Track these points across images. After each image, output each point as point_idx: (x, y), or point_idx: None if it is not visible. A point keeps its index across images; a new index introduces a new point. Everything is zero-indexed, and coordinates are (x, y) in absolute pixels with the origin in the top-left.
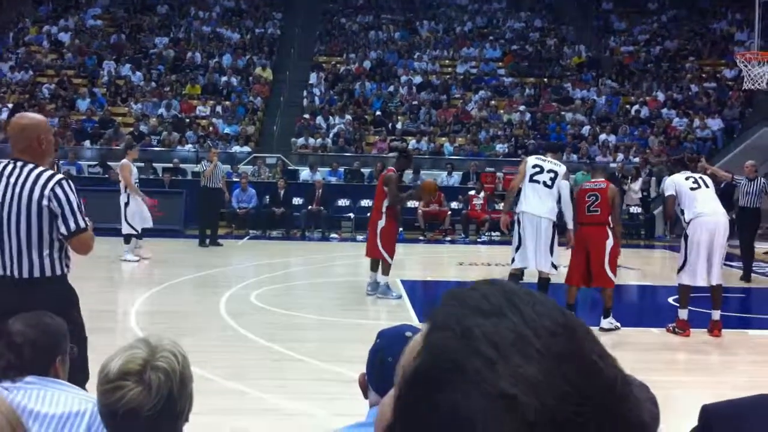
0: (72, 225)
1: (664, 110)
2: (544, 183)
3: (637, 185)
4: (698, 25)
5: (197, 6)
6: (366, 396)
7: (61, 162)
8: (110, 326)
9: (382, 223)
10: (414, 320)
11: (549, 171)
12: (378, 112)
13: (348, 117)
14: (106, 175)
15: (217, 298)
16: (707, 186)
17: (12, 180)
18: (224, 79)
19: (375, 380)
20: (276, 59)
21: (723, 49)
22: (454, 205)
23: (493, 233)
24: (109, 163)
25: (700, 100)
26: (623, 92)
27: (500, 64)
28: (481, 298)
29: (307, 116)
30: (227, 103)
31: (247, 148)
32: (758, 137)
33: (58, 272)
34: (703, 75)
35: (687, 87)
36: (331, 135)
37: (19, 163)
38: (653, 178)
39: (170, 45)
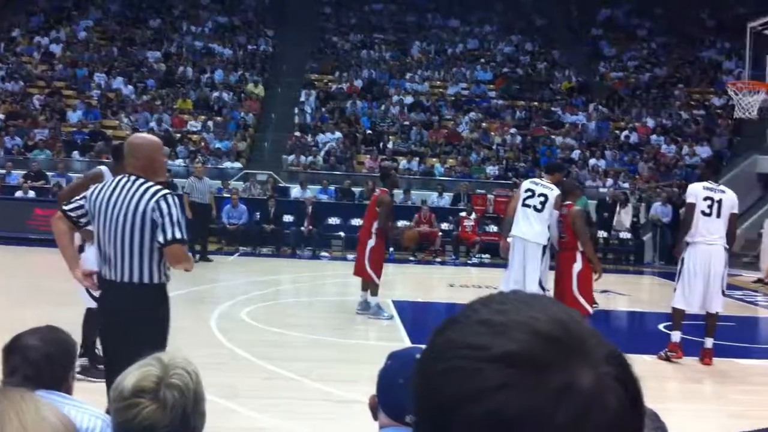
0: (169, 235)
1: (654, 136)
2: (534, 207)
3: (626, 211)
4: (687, 53)
5: (189, 21)
6: (375, 417)
7: (50, 174)
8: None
9: (371, 242)
10: (405, 340)
11: (540, 195)
12: (369, 131)
13: (339, 135)
14: None
15: (207, 314)
16: (718, 216)
17: (124, 192)
18: (216, 94)
19: (386, 402)
20: (268, 76)
21: (712, 77)
22: (444, 226)
23: (483, 255)
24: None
25: (689, 127)
26: (613, 117)
27: (491, 86)
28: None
29: (298, 133)
30: (218, 118)
31: (238, 164)
32: (747, 165)
33: (157, 280)
34: (692, 102)
35: (676, 114)
36: (322, 153)
37: (132, 177)
38: (642, 204)
39: (162, 59)
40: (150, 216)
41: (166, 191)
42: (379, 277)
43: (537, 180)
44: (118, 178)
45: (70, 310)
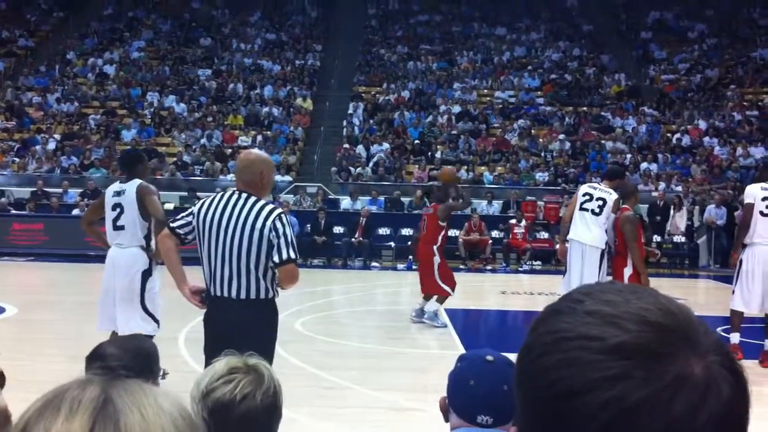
0: (284, 255)
1: (706, 138)
2: (592, 211)
3: (681, 214)
4: (739, 53)
5: (239, 39)
6: (446, 419)
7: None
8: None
9: (438, 259)
10: (459, 348)
11: (598, 199)
12: (417, 141)
13: (387, 146)
14: None
15: None
16: None
17: (237, 210)
18: (265, 109)
19: (457, 403)
20: (316, 90)
21: (765, 76)
22: (494, 233)
23: (534, 262)
24: None
25: (742, 128)
26: (664, 121)
27: (539, 93)
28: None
29: (347, 146)
30: (268, 133)
31: (288, 178)
32: None
33: (270, 295)
34: (745, 103)
35: (729, 115)
36: (370, 164)
37: (243, 195)
38: (696, 207)
39: (213, 76)
40: (267, 236)
41: (280, 210)
42: (453, 288)
43: (595, 185)
44: (228, 194)
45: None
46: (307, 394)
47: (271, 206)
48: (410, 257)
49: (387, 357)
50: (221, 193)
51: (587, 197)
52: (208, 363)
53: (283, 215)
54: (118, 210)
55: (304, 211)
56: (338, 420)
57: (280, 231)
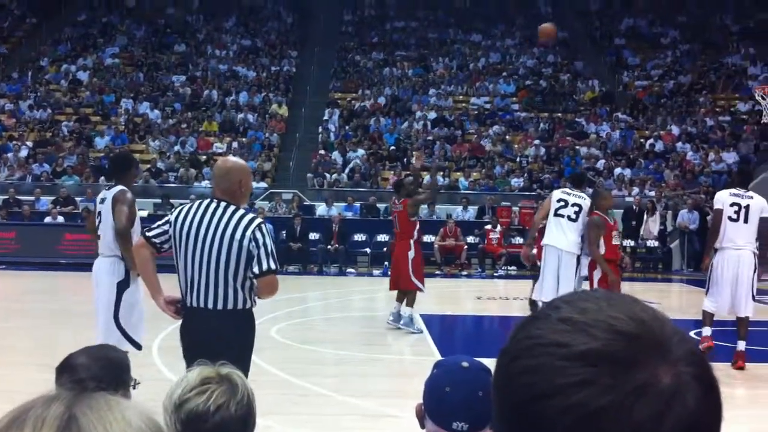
0: (265, 266)
1: (679, 144)
2: (569, 217)
3: (654, 219)
4: (711, 59)
5: (214, 45)
6: (422, 426)
7: (79, 199)
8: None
9: (412, 254)
10: (435, 354)
11: (574, 204)
12: (393, 147)
13: (362, 152)
14: None
15: None
16: (746, 221)
17: (216, 219)
18: (241, 115)
19: (432, 410)
20: (292, 96)
21: (737, 83)
22: (470, 239)
23: (509, 267)
24: None
25: (714, 133)
26: (637, 126)
27: (514, 99)
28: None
29: (322, 152)
30: (243, 139)
31: (263, 184)
32: None
33: (248, 306)
34: (717, 109)
35: (701, 121)
36: (346, 170)
37: (222, 203)
38: (669, 212)
39: (187, 83)
40: (247, 247)
41: (260, 220)
42: (423, 285)
43: (568, 190)
44: (206, 202)
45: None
46: (282, 401)
47: (251, 216)
48: (386, 263)
49: (363, 363)
50: (198, 201)
51: (562, 203)
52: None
53: (263, 225)
54: (99, 218)
55: (279, 217)
56: (313, 427)
57: (260, 241)
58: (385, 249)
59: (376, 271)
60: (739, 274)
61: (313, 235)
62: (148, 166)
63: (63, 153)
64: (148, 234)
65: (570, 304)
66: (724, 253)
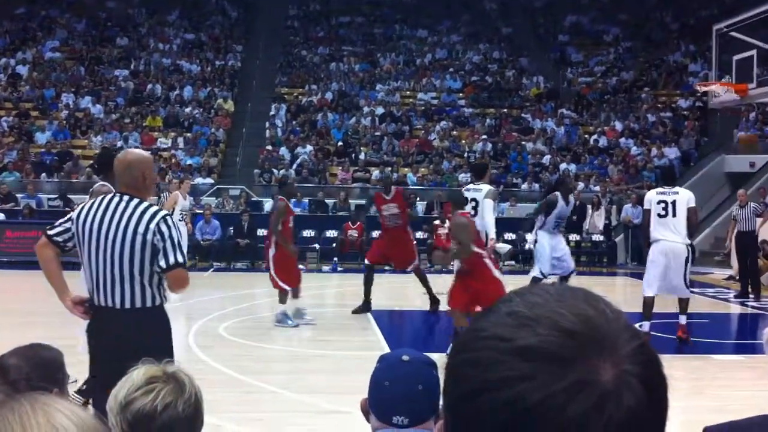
0: (171, 260)
1: (622, 139)
2: (471, 215)
3: (599, 213)
4: (653, 57)
5: (157, 38)
6: (368, 420)
7: (20, 196)
8: (73, 361)
9: (272, 251)
10: (384, 349)
11: (471, 200)
12: (340, 143)
13: (310, 148)
14: (67, 208)
15: (184, 330)
16: (674, 215)
17: (118, 213)
18: (186, 110)
19: (374, 404)
20: (238, 91)
21: (678, 79)
22: (418, 234)
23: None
24: (69, 196)
25: (656, 129)
26: (582, 122)
27: (461, 95)
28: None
29: (269, 147)
30: (189, 135)
31: (210, 180)
32: (714, 165)
33: (157, 302)
34: (659, 105)
35: (644, 117)
36: (294, 166)
37: (125, 197)
38: (614, 207)
39: (130, 77)
40: (151, 240)
41: (165, 212)
42: (296, 284)
43: (470, 186)
44: (108, 197)
45: (43, 332)
46: (230, 399)
47: (155, 208)
48: (335, 259)
49: (311, 360)
50: (102, 197)
51: (473, 203)
52: (93, 378)
53: (168, 217)
54: None
55: (227, 213)
56: (263, 425)
57: (166, 234)
58: (333, 245)
59: (325, 267)
60: (672, 259)
61: (261, 231)
62: (91, 162)
63: (3, 149)
64: (49, 233)
65: (521, 297)
66: (657, 245)
